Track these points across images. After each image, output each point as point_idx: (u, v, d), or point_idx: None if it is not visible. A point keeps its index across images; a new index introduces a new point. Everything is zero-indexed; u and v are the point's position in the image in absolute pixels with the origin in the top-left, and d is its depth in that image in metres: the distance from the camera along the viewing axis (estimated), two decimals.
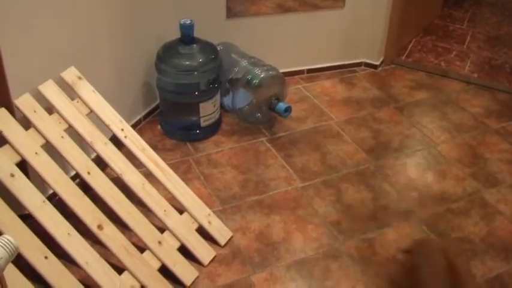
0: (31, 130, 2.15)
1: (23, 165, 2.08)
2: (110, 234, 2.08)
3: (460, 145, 3.02)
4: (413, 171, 2.82)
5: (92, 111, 2.35)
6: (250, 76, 2.92)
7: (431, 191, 2.70)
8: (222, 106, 3.08)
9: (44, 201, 2.01)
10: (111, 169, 2.27)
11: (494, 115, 3.29)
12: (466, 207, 2.62)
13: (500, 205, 2.63)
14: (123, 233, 2.13)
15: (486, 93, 3.53)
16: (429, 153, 2.95)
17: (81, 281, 1.98)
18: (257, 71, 2.94)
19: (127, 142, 2.35)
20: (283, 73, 3.11)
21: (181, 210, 2.33)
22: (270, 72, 2.97)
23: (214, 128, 3.00)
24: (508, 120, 3.25)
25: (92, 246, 2.04)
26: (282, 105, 2.95)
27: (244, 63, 3.02)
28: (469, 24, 4.48)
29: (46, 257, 1.92)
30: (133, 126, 2.92)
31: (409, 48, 4.03)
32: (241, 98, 2.95)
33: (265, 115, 3.04)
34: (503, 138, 3.08)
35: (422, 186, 2.72)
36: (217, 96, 2.93)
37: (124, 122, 2.39)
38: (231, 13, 3.20)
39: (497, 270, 2.30)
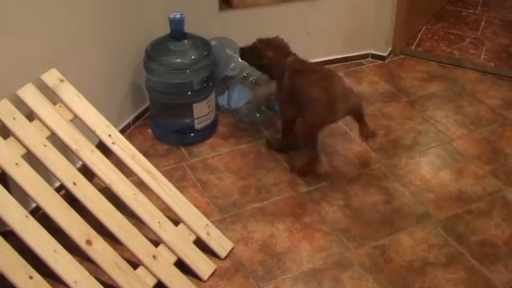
0: (10, 139, 2.14)
1: (3, 178, 2.07)
2: (99, 249, 2.07)
3: (477, 140, 3.01)
4: (428, 170, 2.81)
5: (76, 116, 2.34)
6: (246, 73, 2.91)
7: (448, 191, 2.69)
8: (217, 106, 3.07)
9: (26, 216, 2.00)
10: (99, 179, 2.25)
11: None
12: (487, 207, 2.61)
13: None
14: (114, 248, 2.12)
15: (504, 83, 3.51)
16: (444, 150, 2.95)
17: None
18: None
19: (115, 149, 2.34)
20: None
21: (176, 221, 2.32)
22: None
23: (209, 131, 3.00)
24: None
25: (80, 263, 2.03)
26: None
27: (239, 59, 3.00)
28: (483, 9, 4.46)
29: (31, 277, 1.91)
30: (122, 131, 2.91)
31: (419, 36, 4.02)
32: (238, 97, 2.94)
33: (264, 115, 3.03)
34: None
35: (438, 186, 2.71)
36: (212, 96, 2.92)
37: (111, 127, 2.38)
38: (224, 5, 3.19)
39: None
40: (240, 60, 2.96)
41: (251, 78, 2.90)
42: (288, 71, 2.70)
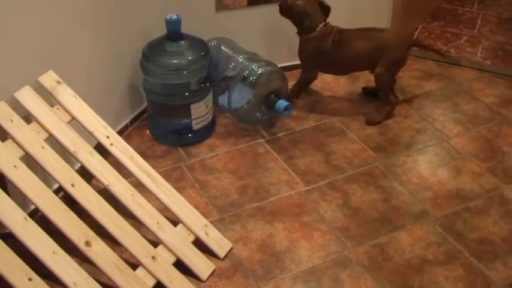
0: (8, 141, 2.14)
1: (1, 180, 2.08)
2: (98, 251, 2.07)
3: (475, 138, 3.02)
4: (426, 168, 2.82)
5: (73, 118, 2.34)
6: (246, 73, 2.91)
7: (445, 189, 2.69)
8: (218, 106, 3.08)
9: (25, 219, 1.99)
10: (98, 180, 2.26)
11: (511, 104, 3.29)
12: (485, 205, 2.61)
13: None
14: (113, 249, 2.13)
15: (501, 81, 3.52)
16: (442, 148, 2.95)
17: None
18: (254, 66, 2.93)
19: (113, 150, 2.35)
20: (282, 68, 3.10)
21: (175, 221, 2.32)
22: (268, 68, 2.96)
23: (207, 131, 3.00)
24: None
25: (79, 264, 2.03)
26: (281, 103, 2.92)
27: (240, 59, 3.01)
28: (480, 6, 4.47)
29: (30, 279, 1.91)
30: (120, 132, 2.92)
31: (415, 35, 4.03)
32: (238, 97, 2.94)
33: (264, 114, 3.03)
34: None
35: (436, 184, 2.72)
36: (210, 96, 2.92)
37: (109, 128, 2.38)
38: (220, 5, 3.19)
39: None
40: (240, 60, 2.97)
41: (251, 78, 2.90)
42: (335, 29, 3.10)
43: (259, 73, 2.93)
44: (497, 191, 2.69)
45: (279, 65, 3.05)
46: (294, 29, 3.12)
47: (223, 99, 3.04)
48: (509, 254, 2.36)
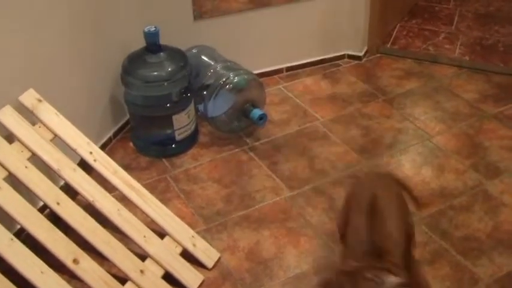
0: None
1: None
2: (87, 268, 2.08)
3: (456, 135, 3.04)
4: (409, 168, 2.84)
5: (56, 135, 2.34)
6: (223, 81, 2.90)
7: (429, 188, 2.71)
8: (198, 114, 3.08)
9: (11, 239, 1.99)
10: (83, 196, 2.26)
11: (490, 99, 3.31)
12: (469, 202, 2.63)
13: (504, 196, 2.64)
14: (101, 264, 2.13)
15: (480, 76, 3.55)
16: (424, 146, 2.97)
17: None
18: (231, 75, 2.93)
19: (97, 166, 2.35)
20: (261, 73, 3.12)
21: (162, 234, 2.33)
22: (245, 77, 2.96)
23: (190, 141, 3.00)
24: (505, 103, 3.27)
25: (68, 282, 2.03)
26: (256, 113, 2.93)
27: (218, 67, 3.01)
28: (456, 3, 4.50)
29: None
30: (104, 146, 2.92)
31: (394, 34, 4.05)
32: (215, 106, 2.93)
33: (243, 123, 3.03)
34: (502, 124, 3.10)
35: (420, 183, 2.74)
36: (191, 107, 2.93)
37: (92, 144, 2.38)
38: (198, 14, 3.20)
39: (507, 267, 2.31)
40: (218, 68, 2.98)
41: (227, 87, 2.90)
42: None
43: (235, 82, 2.92)
44: (481, 187, 2.71)
45: (257, 71, 3.05)
46: (272, 31, 3.11)
47: (201, 108, 3.04)
48: (494, 250, 2.39)
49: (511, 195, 2.65)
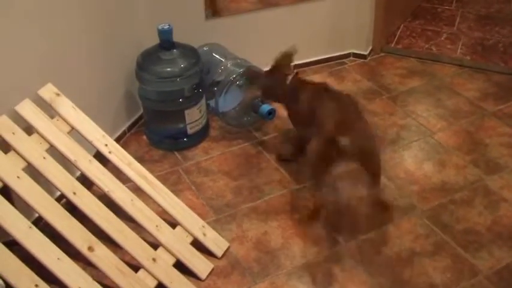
0: (11, 153, 2.14)
1: (5, 191, 2.07)
2: (101, 255, 2.08)
3: (457, 132, 3.03)
4: (412, 163, 2.83)
5: (73, 128, 2.34)
6: (233, 77, 2.90)
7: (431, 183, 2.70)
8: (209, 109, 3.08)
9: (30, 227, 2.00)
10: (98, 187, 2.26)
11: (490, 98, 3.30)
12: (469, 196, 2.62)
13: (504, 192, 2.63)
14: (115, 252, 2.13)
15: (481, 75, 3.54)
16: (426, 143, 2.96)
17: None
18: (241, 71, 2.93)
19: (112, 157, 2.35)
20: None
21: (174, 223, 2.33)
22: None
23: (202, 135, 3.00)
24: (505, 102, 3.26)
25: (83, 269, 2.04)
26: (264, 108, 2.93)
27: (228, 64, 3.01)
28: (458, 4, 4.49)
29: (36, 285, 1.91)
30: (118, 139, 2.92)
31: (397, 34, 4.03)
32: (226, 101, 2.94)
33: (252, 118, 3.03)
34: (501, 122, 3.09)
35: (421, 178, 2.73)
36: (203, 102, 2.93)
37: (107, 136, 2.39)
38: (210, 14, 3.19)
39: (506, 260, 2.30)
40: (228, 65, 2.98)
41: (238, 82, 2.90)
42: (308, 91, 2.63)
43: (245, 78, 2.93)
44: (481, 182, 2.70)
45: (266, 69, 3.04)
46: (280, 30, 3.11)
47: (213, 103, 3.04)
48: (494, 243, 2.38)
49: (510, 190, 2.64)
